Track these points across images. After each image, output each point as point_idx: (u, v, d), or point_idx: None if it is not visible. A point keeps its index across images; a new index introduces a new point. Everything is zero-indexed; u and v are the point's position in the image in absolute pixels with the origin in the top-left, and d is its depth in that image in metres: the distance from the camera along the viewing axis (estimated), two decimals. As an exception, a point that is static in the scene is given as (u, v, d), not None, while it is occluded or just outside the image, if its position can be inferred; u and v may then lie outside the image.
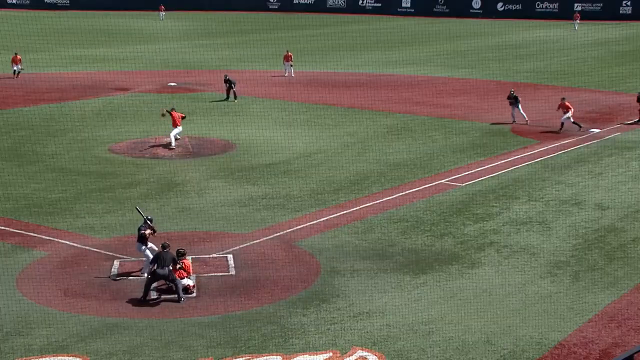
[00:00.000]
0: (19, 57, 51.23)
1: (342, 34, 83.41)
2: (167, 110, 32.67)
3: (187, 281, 18.42)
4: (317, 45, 73.35)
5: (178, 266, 18.39)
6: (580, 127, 35.53)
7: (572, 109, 35.73)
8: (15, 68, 50.94)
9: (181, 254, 18.62)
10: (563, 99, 36.25)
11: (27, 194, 26.06)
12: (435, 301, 18.05)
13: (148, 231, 19.25)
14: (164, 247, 18.40)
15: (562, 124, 35.60)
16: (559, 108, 36.02)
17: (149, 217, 19.65)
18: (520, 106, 37.61)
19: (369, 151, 32.37)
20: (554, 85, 49.16)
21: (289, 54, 53.24)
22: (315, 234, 22.45)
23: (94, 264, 20.11)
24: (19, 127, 36.66)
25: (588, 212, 24.44)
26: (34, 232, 22.40)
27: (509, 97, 38.01)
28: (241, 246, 21.35)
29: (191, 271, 18.94)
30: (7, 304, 17.62)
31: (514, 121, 37.62)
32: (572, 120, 35.59)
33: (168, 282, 18.16)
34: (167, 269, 17.98)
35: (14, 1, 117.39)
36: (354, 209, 24.74)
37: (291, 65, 52.68)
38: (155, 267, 18.03)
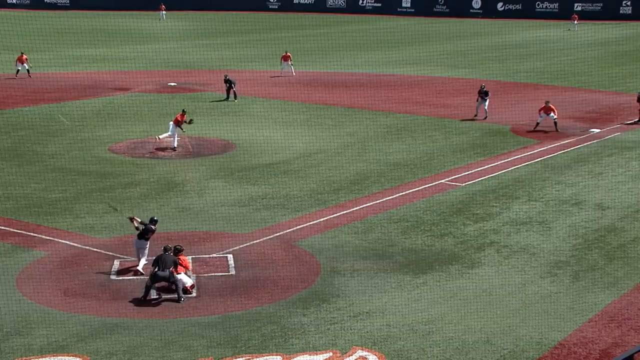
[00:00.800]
0: (24, 56, 51.17)
1: (342, 34, 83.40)
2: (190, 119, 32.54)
3: (186, 279, 18.40)
4: (317, 45, 73.32)
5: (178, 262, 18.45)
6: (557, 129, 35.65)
7: (557, 112, 35.75)
8: (19, 67, 50.82)
9: (179, 250, 18.64)
10: (547, 102, 36.19)
11: (27, 194, 26.06)
12: (435, 301, 18.05)
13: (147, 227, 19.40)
14: (165, 249, 18.42)
15: (555, 123, 35.64)
16: (540, 111, 35.92)
17: (155, 219, 19.75)
18: (487, 102, 38.17)
19: (369, 151, 32.37)
20: (554, 85, 49.15)
21: (288, 54, 53.23)
22: (315, 234, 22.45)
23: (94, 263, 20.11)
24: (19, 127, 36.66)
25: (588, 212, 24.44)
26: (34, 232, 22.39)
27: (479, 92, 38.63)
28: (241, 246, 21.35)
29: (189, 267, 18.85)
30: (7, 304, 17.61)
31: (476, 115, 38.43)
32: (554, 119, 35.64)
33: (169, 283, 18.15)
34: (167, 271, 17.99)
35: (14, 1, 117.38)
36: (354, 209, 24.73)
37: (291, 65, 52.70)
38: (156, 269, 18.05)
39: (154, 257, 18.57)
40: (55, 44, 62.28)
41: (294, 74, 52.38)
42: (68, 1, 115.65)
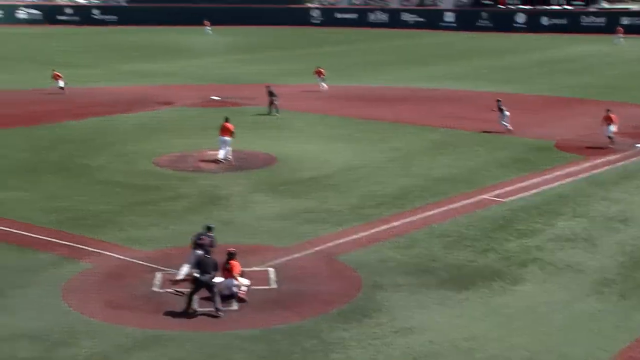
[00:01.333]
0: (56, 73, 51.88)
1: (384, 48, 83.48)
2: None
3: (236, 283, 18.45)
4: (359, 59, 73.49)
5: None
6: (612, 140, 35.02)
7: (617, 123, 35.11)
8: (59, 84, 51.50)
9: (232, 255, 18.78)
10: (608, 110, 35.64)
11: (74, 206, 26.49)
12: (477, 317, 17.86)
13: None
14: (208, 228, 19.11)
15: (611, 137, 35.01)
16: (603, 120, 35.48)
17: (209, 226, 20.17)
18: (506, 115, 37.90)
19: (412, 166, 32.25)
20: (601, 100, 48.43)
21: (320, 69, 53.42)
22: (357, 249, 22.41)
23: (138, 276, 20.33)
24: (66, 141, 37.33)
25: (636, 229, 23.98)
26: (80, 244, 22.72)
27: (498, 107, 38.30)
28: (283, 259, 21.41)
29: (236, 271, 18.80)
30: (54, 314, 17.92)
31: (510, 129, 37.88)
32: (610, 132, 34.97)
33: (209, 291, 18.12)
34: (207, 276, 18.02)
35: (64, 17, 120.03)
36: (396, 223, 24.64)
37: (323, 80, 52.85)
38: (197, 274, 18.11)
39: (195, 260, 18.66)
40: (103, 59, 63.46)
41: (326, 88, 52.51)
42: (116, 17, 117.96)
